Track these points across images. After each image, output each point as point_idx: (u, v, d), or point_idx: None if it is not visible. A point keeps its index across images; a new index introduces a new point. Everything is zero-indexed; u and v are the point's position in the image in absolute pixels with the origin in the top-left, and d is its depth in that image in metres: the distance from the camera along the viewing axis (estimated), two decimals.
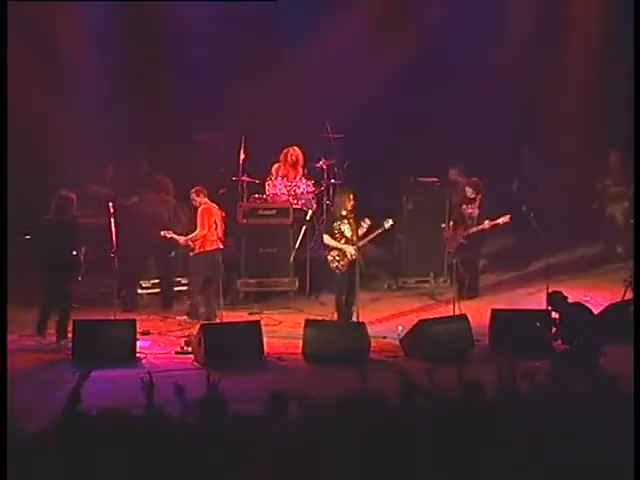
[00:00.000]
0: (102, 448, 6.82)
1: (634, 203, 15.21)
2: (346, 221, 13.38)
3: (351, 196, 13.43)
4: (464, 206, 14.82)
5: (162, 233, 13.92)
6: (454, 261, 14.51)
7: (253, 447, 6.88)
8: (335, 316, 13.88)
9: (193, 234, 13.92)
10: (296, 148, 15.82)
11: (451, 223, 14.81)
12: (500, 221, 14.52)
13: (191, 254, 14.01)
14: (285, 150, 15.83)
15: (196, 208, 14.00)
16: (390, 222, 13.43)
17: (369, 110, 16.54)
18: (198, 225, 13.87)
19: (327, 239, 13.47)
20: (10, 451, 6.72)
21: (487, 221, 14.61)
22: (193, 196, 13.96)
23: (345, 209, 13.39)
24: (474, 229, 14.68)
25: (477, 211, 14.72)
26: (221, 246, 13.97)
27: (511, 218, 14.73)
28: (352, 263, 13.32)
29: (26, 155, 15.41)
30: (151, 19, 16.43)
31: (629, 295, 13.46)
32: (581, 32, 17.41)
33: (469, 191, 14.82)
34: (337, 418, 7.18)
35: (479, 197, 14.78)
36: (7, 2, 13.12)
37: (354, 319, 13.42)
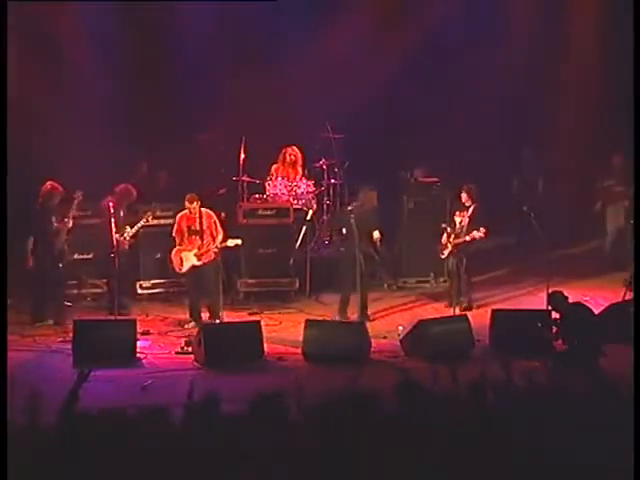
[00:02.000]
0: (102, 448, 6.82)
1: (634, 203, 15.17)
2: None
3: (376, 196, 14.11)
4: (457, 213, 14.50)
5: (231, 242, 13.65)
6: (453, 262, 14.39)
7: (252, 447, 6.88)
8: (336, 316, 14.00)
9: (219, 241, 13.66)
10: (295, 148, 15.81)
11: (448, 229, 14.44)
12: (475, 235, 14.04)
13: (206, 261, 13.64)
14: (284, 150, 15.83)
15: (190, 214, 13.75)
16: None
17: (369, 110, 16.54)
18: (220, 231, 13.72)
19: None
20: (10, 451, 6.72)
21: (475, 232, 14.09)
22: (195, 204, 13.63)
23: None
24: (459, 240, 14.23)
25: (467, 220, 14.27)
26: None
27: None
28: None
29: (26, 155, 15.41)
30: (151, 19, 16.42)
31: (629, 296, 13.45)
32: (582, 31, 17.39)
33: (464, 198, 14.39)
34: (336, 418, 7.18)
35: (473, 206, 14.30)
36: (7, 2, 13.08)
37: (357, 319, 13.48)
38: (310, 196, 15.89)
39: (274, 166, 15.89)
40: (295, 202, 15.69)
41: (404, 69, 16.93)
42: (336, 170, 16.14)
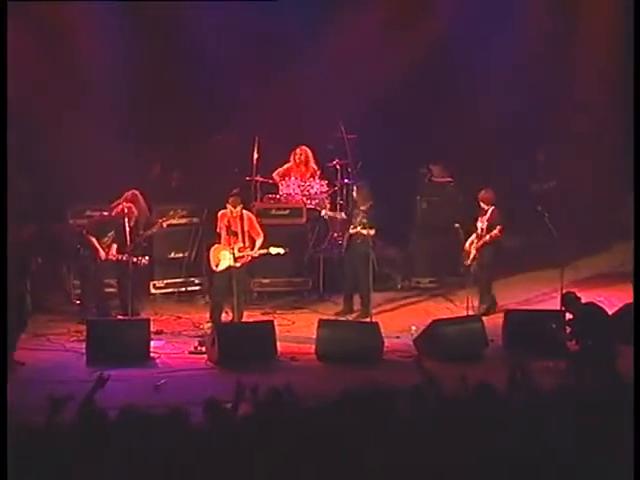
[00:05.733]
0: (115, 447, 6.84)
1: (634, 203, 15.00)
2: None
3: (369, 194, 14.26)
4: (479, 218, 14.36)
5: (274, 250, 13.57)
6: (476, 267, 14.27)
7: (263, 446, 6.90)
8: (352, 316, 14.11)
9: (259, 245, 13.65)
10: (304, 147, 15.80)
11: (473, 236, 14.28)
12: (493, 234, 14.02)
13: (242, 264, 13.53)
14: (294, 150, 15.84)
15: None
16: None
17: (383, 110, 16.51)
18: (260, 233, 13.71)
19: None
20: (20, 448, 6.74)
21: (493, 232, 14.12)
22: (238, 209, 13.57)
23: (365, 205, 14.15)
24: (480, 243, 14.14)
25: (486, 224, 14.19)
26: None
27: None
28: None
29: (37, 155, 15.46)
30: (166, 19, 16.42)
31: None
32: (600, 30, 17.30)
33: (481, 202, 14.34)
34: (348, 417, 7.19)
35: (491, 208, 14.21)
36: (7, 2, 13.04)
37: (368, 319, 13.48)
38: (323, 196, 15.88)
39: (286, 166, 15.91)
40: (308, 202, 15.69)
41: (418, 68, 16.89)
42: (349, 170, 16.12)
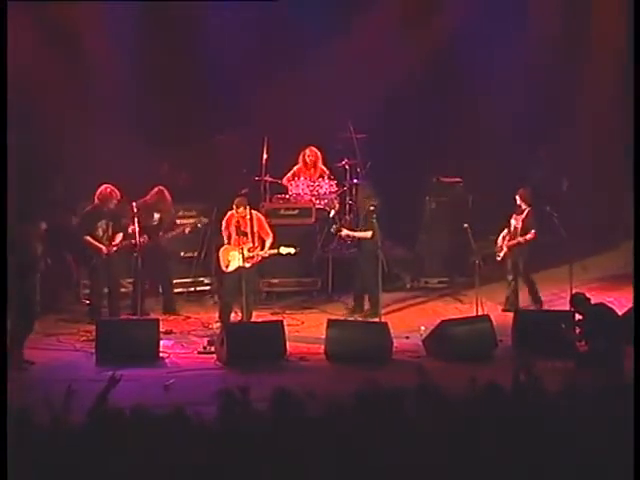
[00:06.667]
0: (124, 446, 6.85)
1: (634, 203, 14.96)
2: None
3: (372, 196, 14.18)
4: (514, 216, 14.44)
5: (284, 250, 13.60)
6: (510, 264, 14.36)
7: (271, 446, 6.91)
8: (361, 316, 14.14)
9: (268, 245, 13.68)
10: (313, 148, 15.81)
11: (504, 232, 14.41)
12: (528, 237, 14.19)
13: (252, 264, 13.56)
14: (302, 151, 15.85)
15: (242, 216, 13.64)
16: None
17: (392, 110, 16.51)
18: (270, 233, 13.73)
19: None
20: (30, 448, 6.76)
21: (528, 235, 14.26)
22: (242, 209, 13.54)
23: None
24: (513, 242, 14.29)
25: (521, 223, 14.31)
26: None
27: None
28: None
29: (44, 155, 15.49)
30: (171, 21, 16.44)
31: None
32: (603, 32, 17.30)
33: (519, 201, 14.42)
34: (356, 417, 7.19)
35: (528, 209, 14.31)
36: (7, 2, 13.06)
37: (377, 319, 13.49)
38: (332, 196, 15.90)
39: (294, 168, 15.93)
40: (317, 202, 15.71)
41: (426, 68, 16.90)
42: (358, 170, 16.13)
